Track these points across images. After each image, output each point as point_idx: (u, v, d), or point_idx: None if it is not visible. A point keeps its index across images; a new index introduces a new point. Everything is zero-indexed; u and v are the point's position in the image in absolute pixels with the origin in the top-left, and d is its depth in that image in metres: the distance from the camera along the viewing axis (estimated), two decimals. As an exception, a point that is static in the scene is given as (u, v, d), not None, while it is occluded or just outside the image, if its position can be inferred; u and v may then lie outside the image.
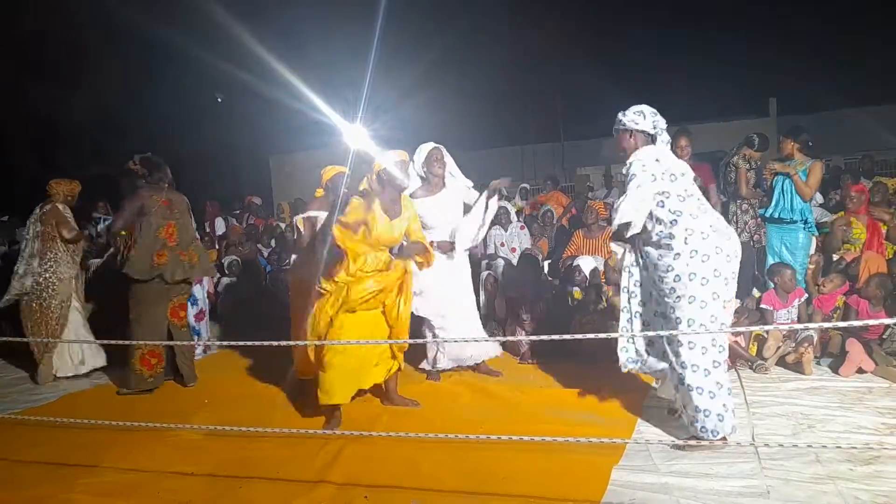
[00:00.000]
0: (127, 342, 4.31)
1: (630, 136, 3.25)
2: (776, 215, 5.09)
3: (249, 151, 22.12)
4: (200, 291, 5.75)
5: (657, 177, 3.10)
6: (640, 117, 3.23)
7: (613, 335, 3.26)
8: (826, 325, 4.25)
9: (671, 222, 3.10)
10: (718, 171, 5.75)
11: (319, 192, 4.47)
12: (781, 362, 4.33)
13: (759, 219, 5.34)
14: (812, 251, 5.17)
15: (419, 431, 3.28)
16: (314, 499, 2.82)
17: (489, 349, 4.59)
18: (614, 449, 3.06)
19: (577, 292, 5.54)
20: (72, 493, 3.02)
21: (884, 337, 4.26)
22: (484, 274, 5.85)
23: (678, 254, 3.08)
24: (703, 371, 3.06)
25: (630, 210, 3.09)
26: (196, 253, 4.75)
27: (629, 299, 3.38)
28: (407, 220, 3.84)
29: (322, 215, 4.22)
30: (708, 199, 4.31)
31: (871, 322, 4.02)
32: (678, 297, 3.09)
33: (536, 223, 7.82)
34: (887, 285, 4.42)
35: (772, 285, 4.77)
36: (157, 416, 3.73)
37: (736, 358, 4.40)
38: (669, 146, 3.33)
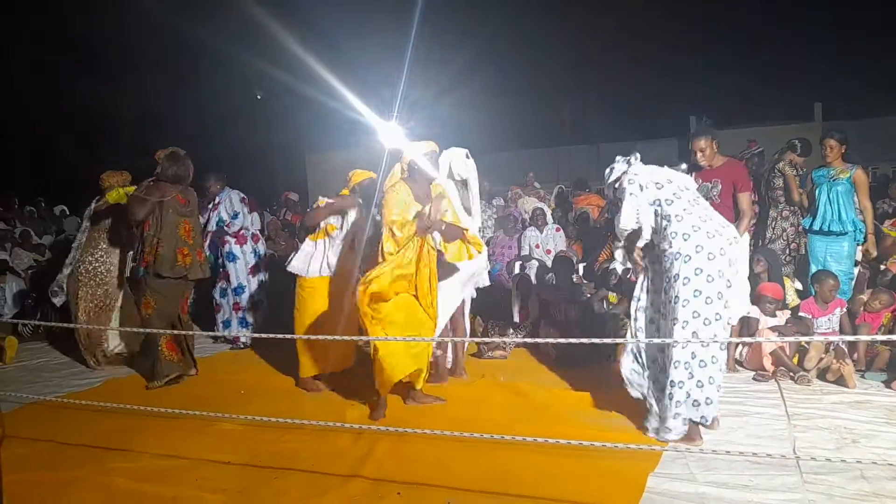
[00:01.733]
0: (153, 330, 4.42)
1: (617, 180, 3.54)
2: (826, 228, 4.92)
3: (286, 149, 22.45)
4: (254, 282, 5.85)
5: (644, 186, 3.37)
6: (610, 172, 3.57)
7: (630, 340, 3.31)
8: (850, 338, 4.12)
9: (663, 228, 3.34)
10: (760, 177, 5.62)
11: (345, 192, 4.54)
12: (822, 376, 4.21)
13: (800, 227, 5.20)
14: (858, 258, 5.02)
15: (450, 430, 3.27)
16: (348, 493, 2.83)
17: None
18: (650, 456, 3.00)
19: (611, 296, 5.48)
20: (109, 476, 3.09)
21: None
22: (516, 275, 5.82)
23: (668, 257, 3.29)
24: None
25: (628, 219, 3.39)
26: (202, 252, 4.83)
27: (636, 309, 3.52)
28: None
29: (345, 205, 4.37)
30: (737, 203, 4.20)
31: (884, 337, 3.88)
32: (668, 298, 3.29)
33: (572, 225, 7.76)
34: None
35: (814, 293, 4.64)
36: (195, 406, 3.79)
37: (778, 366, 4.30)
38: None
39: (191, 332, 4.75)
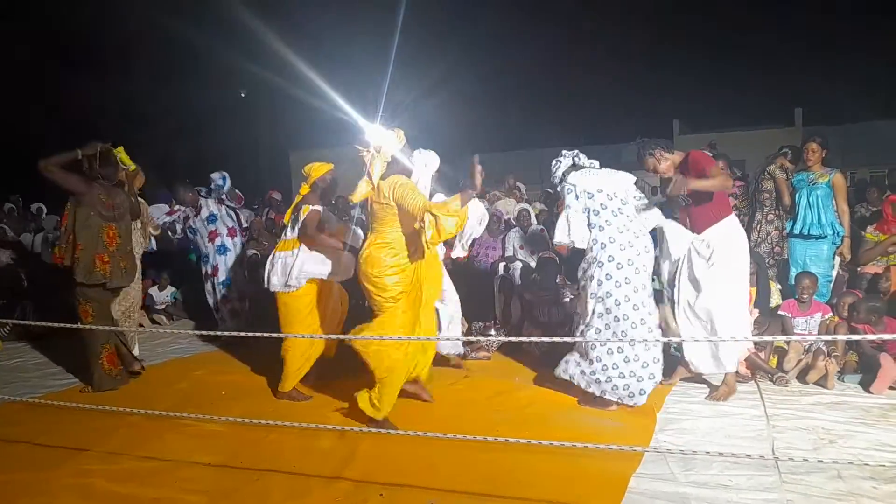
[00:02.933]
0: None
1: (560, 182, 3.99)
2: (805, 232, 5.00)
3: (271, 147, 22.32)
4: (240, 275, 5.86)
5: (578, 196, 3.83)
6: (557, 166, 4.03)
7: (621, 340, 3.37)
8: (820, 337, 4.18)
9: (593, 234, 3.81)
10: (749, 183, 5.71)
11: (305, 189, 4.32)
12: (801, 378, 4.27)
13: (784, 231, 5.27)
14: (836, 263, 5.10)
15: (434, 431, 3.28)
16: (331, 494, 2.82)
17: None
18: (632, 456, 3.03)
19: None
20: (87, 478, 3.05)
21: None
22: (499, 276, 5.84)
23: (599, 262, 3.78)
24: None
25: (563, 225, 3.83)
26: (130, 258, 4.66)
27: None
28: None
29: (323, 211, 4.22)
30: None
31: (873, 336, 3.95)
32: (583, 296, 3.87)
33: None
34: (880, 311, 4.33)
35: (795, 295, 4.71)
36: (176, 406, 3.76)
37: (756, 370, 4.35)
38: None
39: (177, 331, 4.67)
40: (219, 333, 5.33)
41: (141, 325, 6.80)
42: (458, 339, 4.76)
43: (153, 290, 7.30)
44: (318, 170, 4.30)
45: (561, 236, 3.86)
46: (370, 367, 3.50)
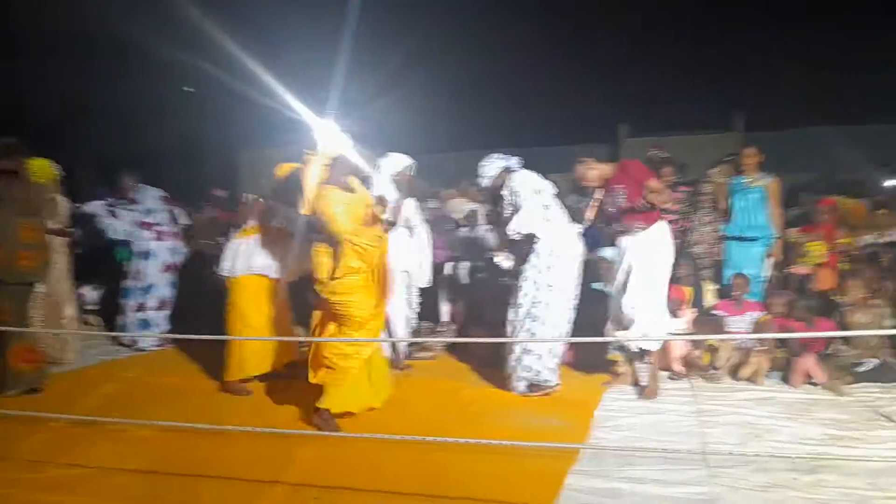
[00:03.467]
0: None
1: (498, 178, 4.23)
2: (740, 234, 5.20)
3: (218, 146, 21.76)
4: (164, 280, 5.66)
5: (532, 191, 4.09)
6: (490, 166, 4.25)
7: (574, 339, 3.37)
8: (744, 335, 4.36)
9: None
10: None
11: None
12: (733, 374, 4.43)
13: (719, 233, 5.46)
14: (768, 264, 5.31)
15: (377, 433, 3.27)
16: (267, 499, 2.77)
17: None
18: (570, 454, 3.08)
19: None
20: (11, 488, 2.91)
21: (828, 353, 4.39)
22: (446, 276, 5.85)
23: (544, 254, 4.04)
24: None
25: (524, 223, 4.04)
26: (47, 252, 4.54)
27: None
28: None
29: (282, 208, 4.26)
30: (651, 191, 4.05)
31: (804, 335, 4.16)
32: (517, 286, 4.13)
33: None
34: (813, 308, 4.55)
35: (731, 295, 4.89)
36: (104, 411, 3.63)
37: (690, 368, 4.50)
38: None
39: (108, 333, 4.51)
40: (156, 335, 5.19)
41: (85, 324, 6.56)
42: (402, 341, 4.75)
43: (84, 290, 7.00)
44: (282, 169, 4.40)
45: (518, 227, 4.07)
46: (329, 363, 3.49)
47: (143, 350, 5.64)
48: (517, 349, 4.11)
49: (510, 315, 4.20)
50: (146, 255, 5.60)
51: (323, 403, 3.50)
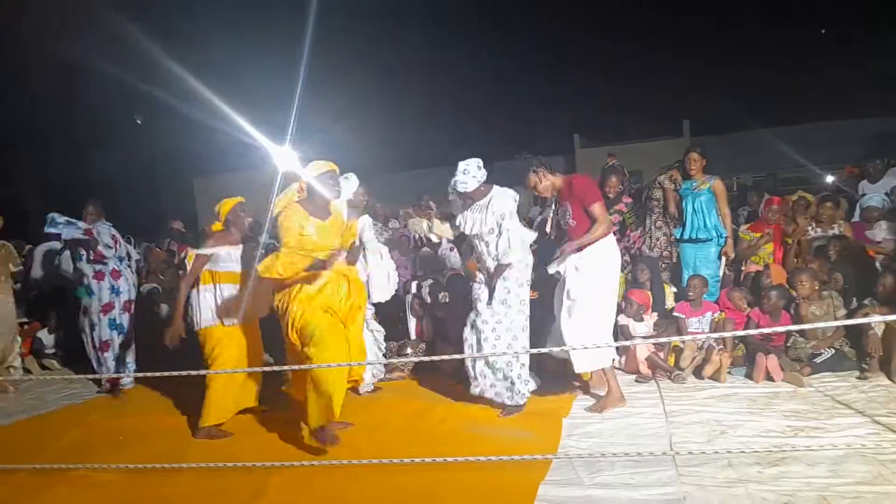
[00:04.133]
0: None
1: (481, 187, 3.99)
2: (693, 236, 5.32)
3: (173, 173, 21.39)
4: (128, 319, 5.46)
5: (511, 215, 4.00)
6: (476, 172, 3.97)
7: (535, 350, 3.39)
8: (711, 335, 4.48)
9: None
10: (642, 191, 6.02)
11: (217, 227, 4.28)
12: (697, 373, 4.53)
13: (672, 237, 5.59)
14: (722, 263, 5.46)
15: (346, 458, 3.22)
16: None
17: None
18: (541, 465, 3.09)
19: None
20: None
21: (788, 346, 4.53)
22: (410, 296, 5.84)
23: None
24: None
25: (517, 248, 3.94)
26: None
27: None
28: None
29: (221, 252, 4.13)
30: (590, 216, 4.01)
31: (766, 330, 4.27)
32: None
33: (466, 243, 7.88)
34: (786, 296, 4.70)
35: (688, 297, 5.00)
36: (64, 457, 3.49)
37: (656, 370, 4.58)
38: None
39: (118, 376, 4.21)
40: (122, 375, 4.99)
41: (29, 372, 6.32)
42: (372, 363, 4.71)
43: (42, 334, 6.74)
44: (226, 205, 4.27)
45: (513, 255, 3.92)
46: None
47: (113, 391, 5.37)
48: (488, 375, 4.07)
49: (471, 335, 4.12)
50: (89, 292, 5.37)
51: (313, 422, 3.45)
